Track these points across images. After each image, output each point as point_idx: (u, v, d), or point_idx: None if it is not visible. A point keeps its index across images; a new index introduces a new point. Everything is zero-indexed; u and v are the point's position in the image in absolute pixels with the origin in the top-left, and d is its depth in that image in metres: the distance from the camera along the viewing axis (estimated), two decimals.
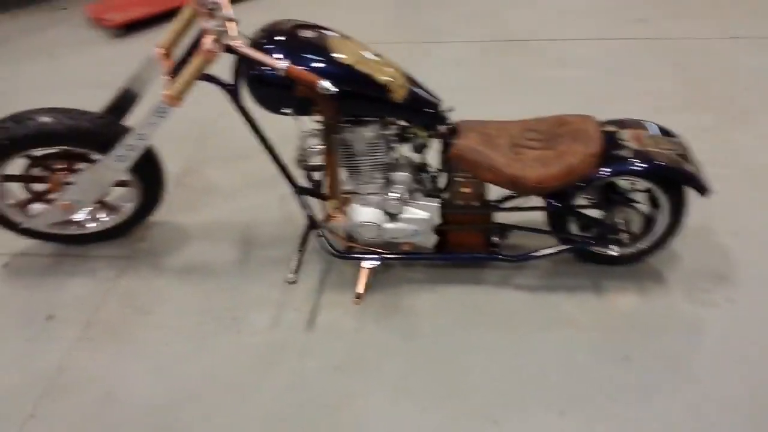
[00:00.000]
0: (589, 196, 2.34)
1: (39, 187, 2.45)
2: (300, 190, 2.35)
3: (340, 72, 1.98)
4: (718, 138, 3.08)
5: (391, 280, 2.41)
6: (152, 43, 3.89)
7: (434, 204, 2.24)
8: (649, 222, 2.31)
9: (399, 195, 2.19)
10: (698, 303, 2.26)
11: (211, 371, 2.13)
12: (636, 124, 2.26)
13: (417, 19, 4.41)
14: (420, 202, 2.25)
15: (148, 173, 2.49)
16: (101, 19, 4.39)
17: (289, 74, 1.87)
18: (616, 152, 2.14)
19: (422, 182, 2.30)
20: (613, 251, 2.33)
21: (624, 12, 4.31)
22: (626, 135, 2.20)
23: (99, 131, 2.29)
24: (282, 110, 2.03)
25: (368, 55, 2.07)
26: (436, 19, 4.38)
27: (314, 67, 1.96)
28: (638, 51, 3.85)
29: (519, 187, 2.13)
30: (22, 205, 2.45)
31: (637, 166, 2.10)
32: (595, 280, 2.36)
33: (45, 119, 2.25)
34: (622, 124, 2.26)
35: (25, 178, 2.40)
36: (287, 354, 2.17)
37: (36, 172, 2.40)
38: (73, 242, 2.61)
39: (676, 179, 2.14)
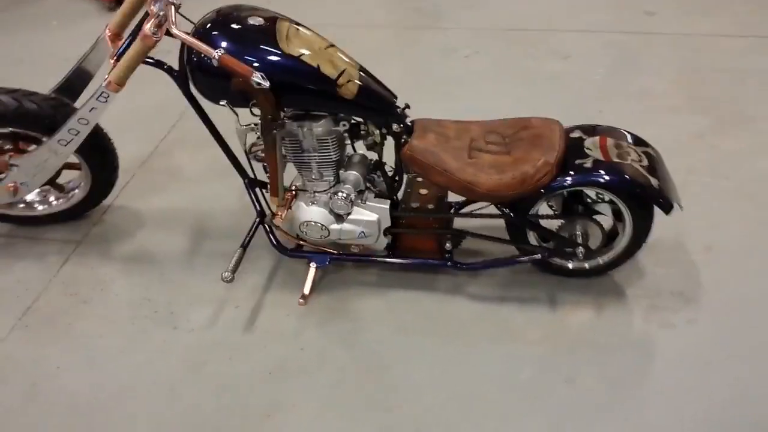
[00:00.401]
0: (551, 205, 2.21)
1: None
2: (251, 182, 2.25)
3: (283, 63, 1.88)
4: (709, 144, 2.91)
5: (341, 281, 2.32)
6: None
7: (383, 206, 2.13)
8: (611, 235, 2.18)
9: (346, 195, 2.08)
10: (656, 323, 2.13)
11: (141, 368, 2.06)
12: (606, 132, 2.12)
13: (411, 2, 4.25)
14: (369, 203, 2.14)
15: (98, 158, 2.42)
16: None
17: (222, 64, 1.77)
18: (578, 161, 2.00)
19: (374, 182, 2.19)
20: (570, 265, 2.21)
21: (632, 3, 4.11)
22: (591, 143, 2.07)
23: (46, 113, 2.22)
24: (220, 101, 1.93)
25: (321, 46, 1.95)
26: (432, 3, 4.21)
27: (254, 56, 1.85)
28: (643, 46, 3.66)
29: (471, 194, 2.02)
30: None
31: (596, 177, 1.98)
32: (551, 293, 2.23)
33: (16, 100, 2.17)
34: (591, 130, 2.12)
35: None
36: (220, 354, 2.09)
37: None
38: (25, 223, 2.56)
39: (636, 194, 2.00)
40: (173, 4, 1.89)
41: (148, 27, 1.86)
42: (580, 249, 2.09)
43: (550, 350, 2.06)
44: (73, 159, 2.35)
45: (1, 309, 2.26)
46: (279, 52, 1.88)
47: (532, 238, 2.19)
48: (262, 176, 2.19)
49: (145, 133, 3.08)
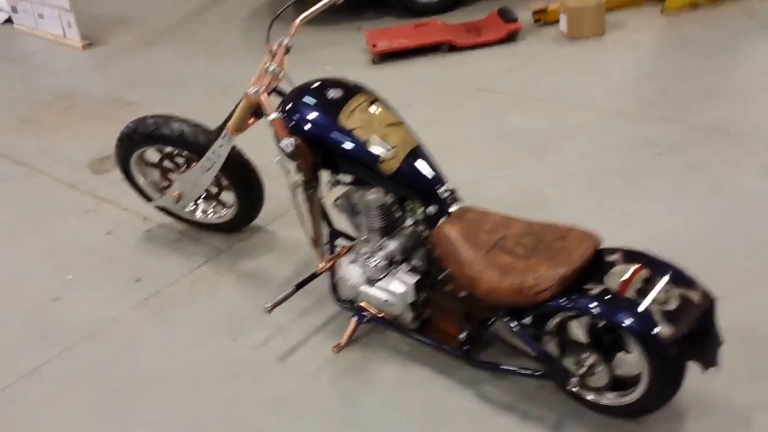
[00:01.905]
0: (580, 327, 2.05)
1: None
2: (332, 233, 2.53)
3: (334, 134, 2.12)
4: None
5: (379, 342, 2.43)
6: (397, 72, 4.33)
7: (410, 280, 2.21)
8: (629, 381, 1.95)
9: (377, 260, 2.22)
10: None
11: (191, 360, 2.45)
12: (648, 263, 1.90)
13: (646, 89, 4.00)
14: (398, 275, 2.24)
15: (243, 186, 2.88)
16: (373, 44, 4.92)
17: (271, 125, 2.10)
18: (588, 286, 1.86)
19: (414, 257, 2.27)
20: (588, 396, 2.02)
21: None
22: (620, 270, 1.88)
23: (207, 146, 2.73)
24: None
25: (382, 123, 2.16)
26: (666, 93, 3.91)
27: (310, 123, 2.14)
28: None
29: (472, 289, 2.01)
30: (156, 187, 3.06)
31: (592, 307, 1.82)
32: (560, 420, 2.06)
33: (179, 127, 2.78)
34: (631, 257, 1.93)
35: (156, 166, 3.00)
36: (247, 373, 2.38)
37: (166, 163, 2.98)
38: (195, 226, 3.16)
39: (639, 339, 1.77)
40: (275, 73, 2.25)
41: (251, 87, 2.27)
42: (574, 379, 1.92)
43: None
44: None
45: (143, 288, 2.86)
46: (334, 123, 2.13)
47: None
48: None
49: None
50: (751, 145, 3.30)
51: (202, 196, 3.00)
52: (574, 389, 1.94)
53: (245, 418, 2.21)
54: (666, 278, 1.85)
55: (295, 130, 2.15)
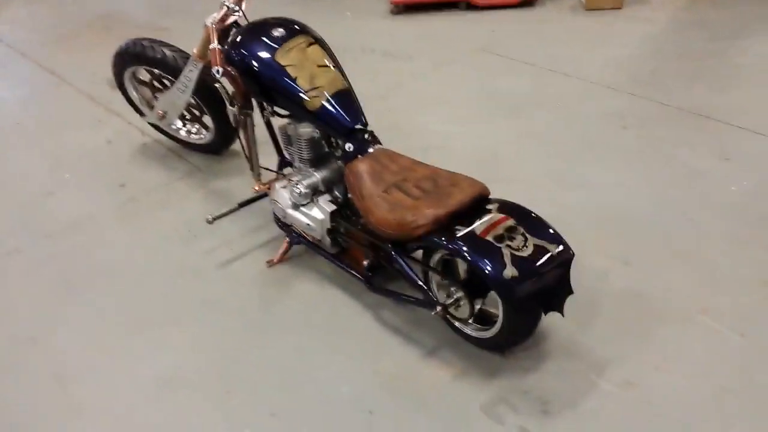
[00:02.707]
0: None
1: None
2: (283, 161, 2.80)
3: (269, 68, 2.38)
4: None
5: (307, 264, 2.69)
6: (412, 24, 4.50)
7: (328, 208, 2.46)
8: (492, 314, 2.18)
9: (300, 187, 2.48)
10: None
11: (143, 260, 2.79)
12: (516, 213, 2.09)
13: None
14: (318, 203, 2.49)
15: (218, 112, 3.15)
16: None
17: (210, 53, 2.37)
18: (458, 227, 2.07)
19: (334, 189, 2.52)
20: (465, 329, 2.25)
21: None
22: (490, 218, 2.07)
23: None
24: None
25: (315, 64, 2.39)
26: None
27: (250, 55, 2.39)
28: None
29: (367, 221, 2.25)
30: (148, 104, 3.39)
31: (450, 244, 2.03)
32: (440, 346, 2.30)
33: (163, 51, 3.08)
34: (505, 208, 2.12)
35: (147, 85, 3.31)
36: (189, 274, 2.70)
37: (155, 84, 3.29)
38: (181, 144, 3.49)
39: (478, 273, 1.99)
40: (229, 7, 2.51)
41: (208, 18, 2.53)
42: (439, 308, 2.15)
43: (384, 392, 2.17)
44: None
45: (123, 190, 3.21)
46: (270, 59, 2.38)
47: (435, 286, 2.29)
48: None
49: None
50: (716, 131, 3.38)
51: (187, 118, 3.31)
52: (437, 316, 2.17)
53: (176, 312, 2.53)
54: (527, 228, 2.04)
55: (233, 61, 2.41)
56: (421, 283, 2.23)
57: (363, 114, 2.43)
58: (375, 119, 3.28)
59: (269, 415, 2.12)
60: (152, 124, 3.41)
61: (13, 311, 2.58)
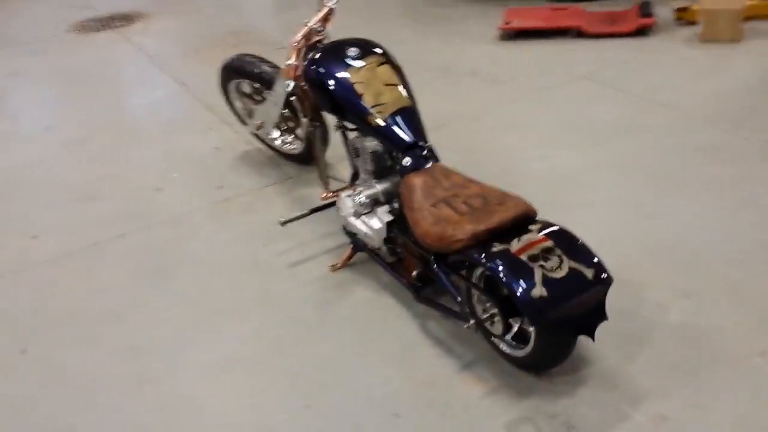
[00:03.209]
0: None
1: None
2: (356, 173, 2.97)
3: (340, 84, 2.57)
4: None
5: (367, 271, 2.83)
6: (518, 50, 4.58)
7: (384, 219, 2.59)
8: (521, 332, 2.21)
9: (360, 197, 2.63)
10: None
11: (222, 255, 3.04)
12: (555, 235, 2.12)
13: None
14: (378, 213, 2.62)
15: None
16: (507, 21, 5.16)
17: (287, 69, 2.59)
18: (494, 244, 2.13)
19: (393, 201, 2.63)
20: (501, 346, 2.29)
21: None
22: (528, 237, 2.12)
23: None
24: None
25: (383, 83, 2.55)
26: None
27: (327, 72, 2.60)
28: None
29: (414, 233, 2.35)
30: (248, 114, 3.67)
31: (484, 261, 2.09)
32: (476, 361, 2.35)
33: (261, 67, 3.36)
34: (545, 228, 2.16)
35: (249, 97, 3.60)
36: (260, 271, 2.92)
37: (256, 96, 3.57)
38: (278, 154, 3.74)
39: (513, 294, 2.03)
40: (312, 27, 2.72)
41: (293, 38, 2.75)
42: (472, 321, 2.21)
43: (417, 402, 2.25)
44: None
45: (220, 191, 3.50)
46: (341, 76, 2.56)
47: (475, 301, 2.35)
48: None
49: None
50: None
51: (283, 129, 3.56)
52: (469, 329, 2.22)
53: (243, 303, 2.74)
54: (565, 251, 2.06)
55: (309, 76, 2.61)
56: (456, 295, 2.29)
57: (423, 131, 2.54)
58: (460, 139, 3.43)
59: (304, 407, 2.26)
60: (253, 134, 3.69)
61: (106, 289, 2.90)
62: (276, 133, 3.60)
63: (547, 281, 1.99)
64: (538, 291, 1.97)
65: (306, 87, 2.65)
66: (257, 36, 5.65)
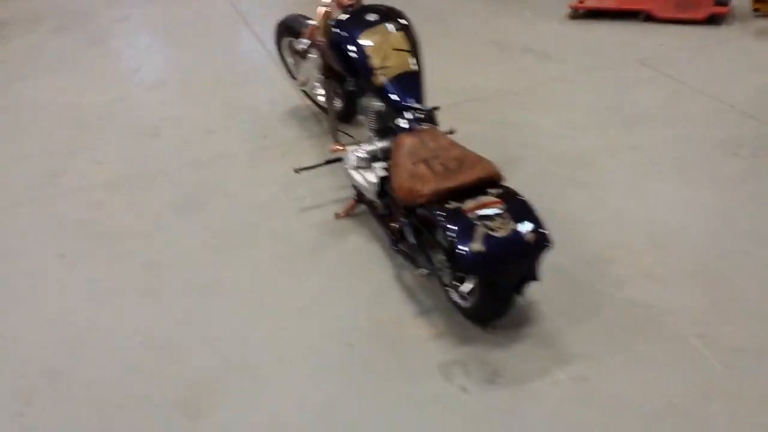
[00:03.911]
0: None
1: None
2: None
3: (352, 44, 2.81)
4: None
5: (366, 221, 3.09)
6: (582, 29, 4.64)
7: (379, 174, 2.82)
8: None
9: (359, 153, 2.88)
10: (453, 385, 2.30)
11: (251, 194, 3.39)
12: (509, 198, 2.28)
13: None
14: (375, 168, 2.85)
15: (342, 84, 3.63)
16: (580, 0, 5.17)
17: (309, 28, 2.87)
18: (450, 201, 2.33)
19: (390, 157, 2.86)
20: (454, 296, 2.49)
21: None
22: (486, 198, 2.29)
23: None
24: None
25: (392, 47, 2.76)
26: None
27: (343, 33, 2.84)
28: None
29: (392, 186, 2.58)
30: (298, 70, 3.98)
31: (432, 214, 2.29)
32: (434, 308, 2.57)
33: (307, 25, 3.65)
34: (506, 193, 2.33)
35: (297, 53, 3.90)
36: (275, 210, 3.24)
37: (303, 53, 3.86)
38: (322, 110, 4.04)
39: (454, 247, 2.20)
40: None
41: (321, 4, 3.02)
42: (422, 269, 2.42)
43: (372, 326, 2.52)
44: None
45: (263, 139, 3.85)
46: (355, 37, 2.81)
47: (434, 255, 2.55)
48: None
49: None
50: None
51: None
52: (420, 276, 2.43)
53: (255, 237, 3.08)
54: (513, 214, 2.23)
55: (331, 36, 2.87)
56: (415, 244, 2.50)
57: (422, 95, 2.73)
58: (495, 112, 3.66)
59: (277, 328, 2.57)
60: (301, 90, 3.99)
61: (142, 212, 3.32)
62: (320, 90, 3.88)
63: (486, 238, 2.16)
64: (476, 246, 2.16)
65: (322, 45, 2.91)
66: None
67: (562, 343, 2.38)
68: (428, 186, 2.34)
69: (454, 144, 2.57)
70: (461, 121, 3.75)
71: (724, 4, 4.69)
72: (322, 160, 3.23)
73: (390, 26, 2.83)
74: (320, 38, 3.05)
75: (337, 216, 3.13)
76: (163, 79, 4.81)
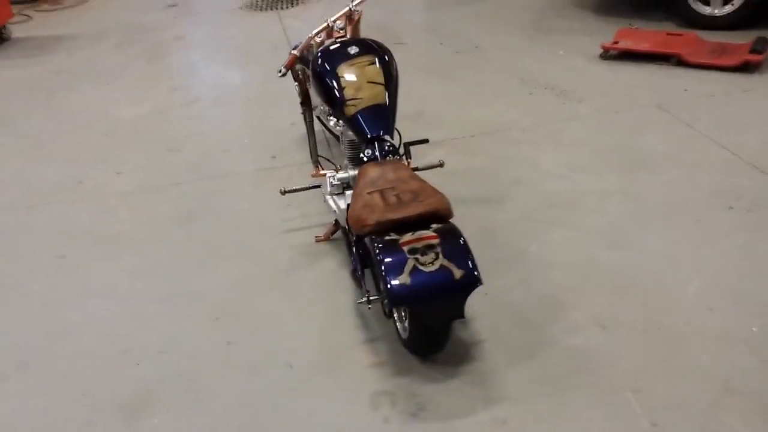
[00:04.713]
0: None
1: None
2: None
3: (329, 76, 2.93)
4: None
5: (343, 246, 3.18)
6: (609, 70, 4.63)
7: (347, 200, 2.91)
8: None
9: (333, 180, 2.97)
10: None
11: (246, 208, 3.54)
12: (446, 236, 2.32)
13: None
14: (345, 195, 2.95)
15: None
16: (615, 41, 5.12)
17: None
18: (392, 234, 2.39)
19: None
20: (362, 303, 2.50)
21: None
22: (420, 233, 2.34)
23: None
24: None
25: (367, 80, 2.85)
26: None
27: (322, 64, 2.95)
28: None
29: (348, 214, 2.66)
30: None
31: (373, 247, 2.35)
32: (382, 337, 2.62)
33: None
34: (443, 229, 2.36)
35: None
36: (263, 228, 3.37)
37: None
38: (334, 135, 4.16)
39: (383, 279, 2.26)
40: (330, 26, 3.11)
41: (313, 31, 3.17)
42: (364, 298, 2.48)
43: (321, 349, 2.61)
44: None
45: (270, 160, 4.01)
46: (333, 68, 2.92)
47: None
48: None
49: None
50: None
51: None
52: (360, 303, 2.49)
53: (237, 253, 3.22)
54: (446, 251, 2.27)
55: (312, 66, 2.99)
56: (358, 271, 2.57)
57: (391, 128, 2.80)
58: (498, 147, 3.78)
59: (227, 344, 2.68)
60: (315, 116, 4.13)
61: (146, 222, 3.53)
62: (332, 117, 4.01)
63: (415, 272, 2.21)
64: (403, 279, 2.21)
65: (301, 75, 3.04)
66: (387, 31, 6.03)
67: (495, 384, 2.38)
68: (373, 216, 2.40)
69: (414, 177, 2.62)
70: (463, 153, 3.82)
71: (760, 53, 4.55)
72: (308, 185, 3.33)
73: (366, 59, 2.91)
74: (298, 67, 3.16)
75: (317, 239, 3.23)
76: (198, 96, 5.06)
